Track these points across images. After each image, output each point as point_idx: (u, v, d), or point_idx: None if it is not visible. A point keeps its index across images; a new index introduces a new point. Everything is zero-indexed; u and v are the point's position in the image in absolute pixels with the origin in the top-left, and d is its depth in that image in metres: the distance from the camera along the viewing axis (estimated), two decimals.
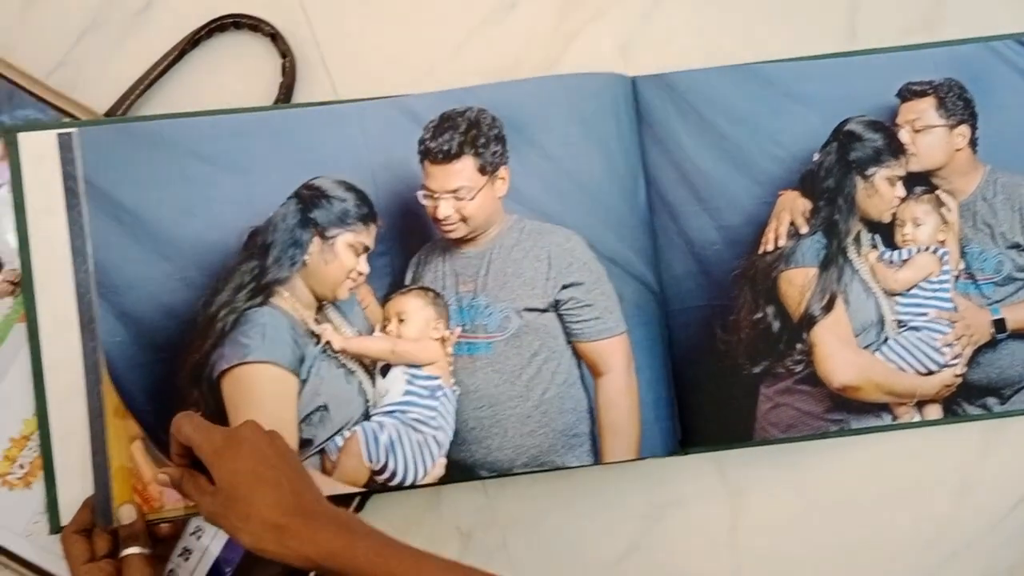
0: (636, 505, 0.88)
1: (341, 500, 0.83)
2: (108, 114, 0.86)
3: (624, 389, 0.84)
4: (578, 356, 0.85)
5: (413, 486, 0.83)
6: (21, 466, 0.84)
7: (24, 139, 0.83)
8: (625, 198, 0.86)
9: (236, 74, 0.89)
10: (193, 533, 0.84)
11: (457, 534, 0.88)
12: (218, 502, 0.73)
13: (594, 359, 0.85)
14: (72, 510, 0.82)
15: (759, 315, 0.87)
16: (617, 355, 0.84)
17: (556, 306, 0.84)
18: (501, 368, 0.84)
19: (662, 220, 0.87)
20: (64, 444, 0.82)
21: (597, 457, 0.84)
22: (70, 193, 0.82)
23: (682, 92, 0.87)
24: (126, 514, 0.81)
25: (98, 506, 0.81)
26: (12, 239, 0.83)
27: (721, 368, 0.87)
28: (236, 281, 0.83)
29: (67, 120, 0.85)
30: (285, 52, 0.89)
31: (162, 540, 0.83)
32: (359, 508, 0.86)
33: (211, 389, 0.82)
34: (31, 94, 0.85)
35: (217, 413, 0.82)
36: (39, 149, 0.83)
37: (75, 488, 0.82)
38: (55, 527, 0.82)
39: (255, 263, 0.83)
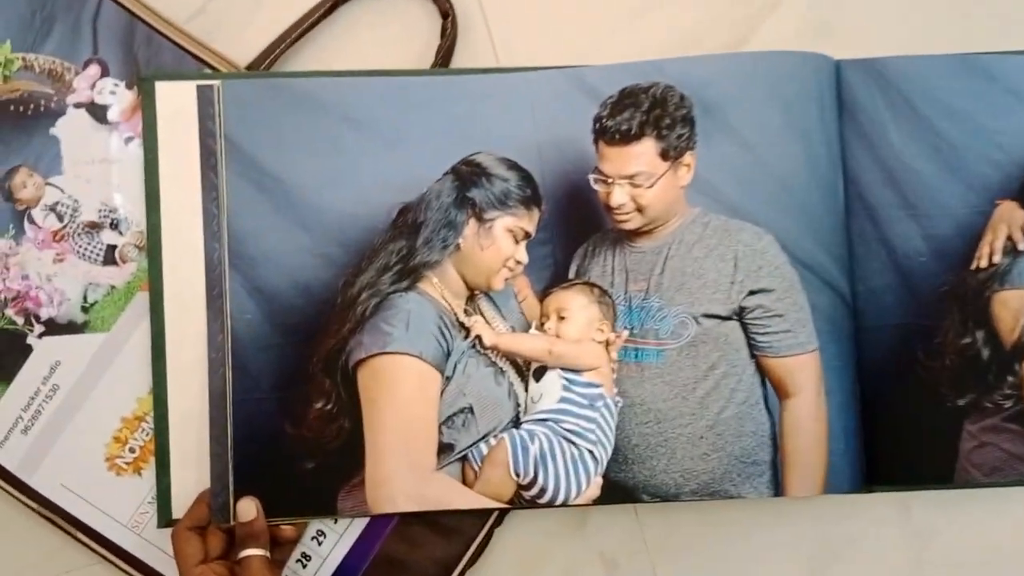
0: (805, 542, 0.79)
1: (481, 516, 0.75)
2: (251, 68, 0.78)
3: (814, 414, 0.74)
4: (762, 373, 0.75)
5: (564, 505, 0.74)
6: (131, 450, 0.77)
7: (162, 89, 0.75)
8: (824, 196, 0.76)
9: (390, 33, 0.81)
10: (315, 538, 0.76)
11: (600, 560, 0.79)
12: None
13: (781, 377, 0.75)
14: (185, 502, 0.75)
15: (967, 340, 0.77)
16: (808, 375, 0.75)
17: (740, 314, 0.75)
18: (672, 380, 0.75)
19: (861, 224, 0.77)
20: (182, 429, 0.75)
21: (778, 489, 0.74)
22: (207, 152, 0.75)
23: (893, 80, 0.77)
24: (245, 510, 0.73)
25: (215, 501, 0.73)
26: (139, 198, 0.76)
27: (920, 397, 0.76)
28: (381, 261, 0.74)
29: (208, 71, 0.77)
30: (447, 12, 0.80)
31: (280, 544, 0.75)
32: (497, 523, 0.77)
33: (345, 379, 0.74)
34: (170, 40, 0.78)
35: (350, 406, 0.73)
36: (177, 101, 0.75)
37: (190, 478, 0.75)
38: (165, 519, 0.75)
39: (403, 243, 0.75)
